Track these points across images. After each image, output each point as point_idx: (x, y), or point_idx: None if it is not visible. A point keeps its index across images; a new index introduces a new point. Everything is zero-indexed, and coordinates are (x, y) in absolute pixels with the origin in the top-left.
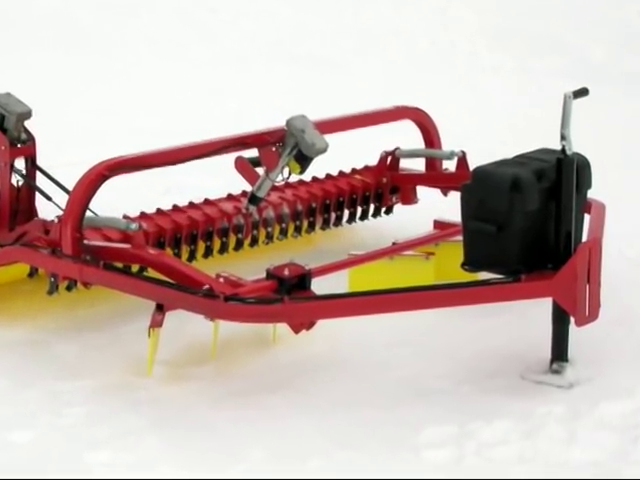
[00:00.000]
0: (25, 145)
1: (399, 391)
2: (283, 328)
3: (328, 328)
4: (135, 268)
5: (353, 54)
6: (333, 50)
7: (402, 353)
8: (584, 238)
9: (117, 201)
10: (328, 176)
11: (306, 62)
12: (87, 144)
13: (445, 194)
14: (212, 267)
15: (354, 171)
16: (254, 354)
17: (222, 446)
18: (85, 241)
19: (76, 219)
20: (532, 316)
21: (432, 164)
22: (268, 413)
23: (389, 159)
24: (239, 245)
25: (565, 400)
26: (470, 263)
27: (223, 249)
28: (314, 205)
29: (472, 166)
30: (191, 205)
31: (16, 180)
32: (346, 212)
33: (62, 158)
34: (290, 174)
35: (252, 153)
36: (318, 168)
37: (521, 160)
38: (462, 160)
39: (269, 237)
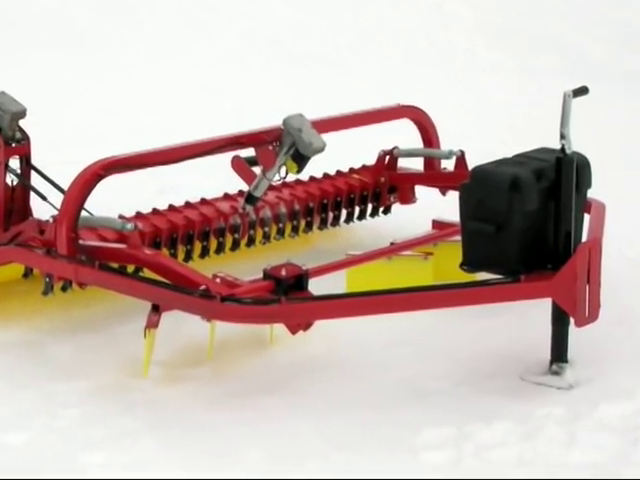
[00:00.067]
0: (20, 144)
1: (397, 392)
2: (280, 329)
3: (325, 329)
4: (131, 268)
5: (351, 53)
6: (331, 49)
7: (400, 354)
8: (584, 238)
9: (113, 201)
10: (326, 175)
11: (304, 61)
12: (82, 143)
13: (444, 194)
14: (208, 267)
15: (352, 170)
16: (251, 355)
17: (219, 448)
18: (80, 241)
19: (71, 219)
20: (531, 317)
21: (430, 163)
22: (265, 414)
23: (387, 158)
24: (236, 245)
25: (565, 401)
26: (469, 263)
27: (220, 249)
28: (311, 205)
29: (471, 165)
30: (187, 205)
31: (11, 179)
32: (344, 212)
33: (57, 157)
34: (287, 173)
35: (249, 152)
36: (315, 167)
37: (520, 159)
38: (461, 159)
39: (266, 237)
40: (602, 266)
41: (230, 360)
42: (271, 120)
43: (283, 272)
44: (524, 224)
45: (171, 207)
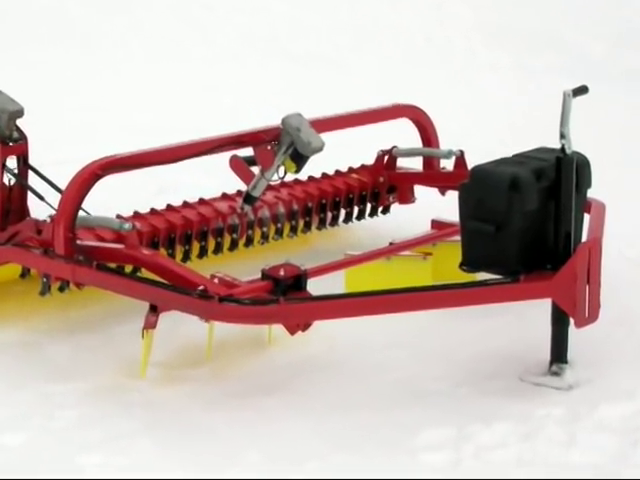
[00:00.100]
0: (17, 144)
1: (396, 393)
2: (279, 329)
3: (324, 329)
4: (128, 268)
5: (349, 51)
6: (330, 48)
7: (399, 355)
8: (584, 238)
9: (110, 200)
10: (324, 175)
11: (302, 59)
12: (80, 142)
13: (443, 193)
14: (207, 267)
15: (351, 170)
16: (249, 356)
17: (217, 449)
18: (78, 241)
19: (69, 219)
20: (531, 317)
21: (430, 163)
22: (264, 415)
23: (386, 158)
24: (234, 245)
25: (564, 402)
26: (468, 263)
27: (218, 249)
28: (310, 204)
29: (470, 165)
30: (185, 205)
31: (8, 179)
32: (342, 212)
33: (54, 156)
34: (286, 173)
35: (247, 152)
36: (314, 167)
37: (520, 159)
38: (460, 159)
39: (264, 237)
40: (602, 266)
41: (228, 361)
42: (270, 119)
43: (282, 272)
44: (524, 224)
45: (169, 207)
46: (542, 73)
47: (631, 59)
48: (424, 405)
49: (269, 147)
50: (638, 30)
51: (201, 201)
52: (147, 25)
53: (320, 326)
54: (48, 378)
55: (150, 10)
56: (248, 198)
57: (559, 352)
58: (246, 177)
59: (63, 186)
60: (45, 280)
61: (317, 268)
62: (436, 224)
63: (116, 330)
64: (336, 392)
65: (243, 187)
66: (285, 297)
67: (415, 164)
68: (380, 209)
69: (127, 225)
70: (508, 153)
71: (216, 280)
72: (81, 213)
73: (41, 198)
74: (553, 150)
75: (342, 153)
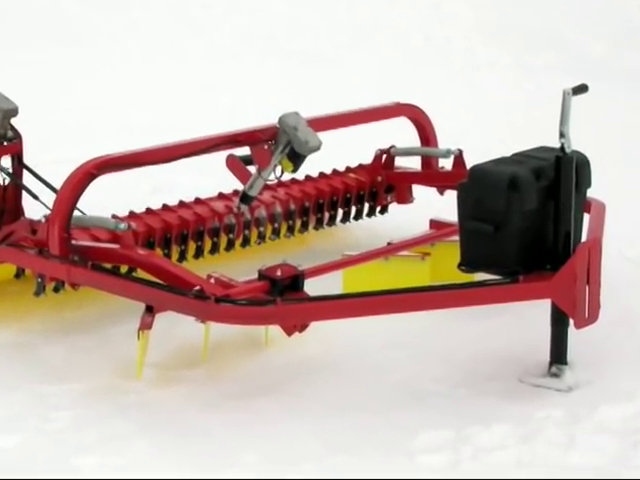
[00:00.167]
0: (12, 143)
1: (394, 395)
2: (275, 330)
3: (321, 330)
4: (124, 269)
5: (347, 50)
6: (327, 46)
7: (397, 356)
8: (583, 238)
9: (106, 200)
10: (322, 175)
11: (300, 58)
12: (75, 141)
13: (441, 193)
14: (203, 268)
15: (348, 169)
16: (246, 357)
17: (213, 450)
18: (73, 241)
19: (64, 219)
20: (530, 318)
21: (428, 162)
22: (260, 417)
23: (384, 157)
24: (230, 245)
25: (564, 404)
26: (467, 264)
27: (214, 249)
28: (307, 204)
29: (469, 164)
30: (181, 204)
31: (2, 179)
32: (340, 211)
33: (49, 156)
34: (283, 172)
35: (244, 151)
36: (311, 166)
37: (519, 158)
38: (459, 158)
39: (261, 237)
40: (602, 266)
41: (225, 362)
42: (266, 118)
43: (278, 272)
44: (523, 224)
45: (165, 207)
46: (541, 72)
47: (631, 58)
48: (422, 406)
49: (266, 146)
50: (638, 30)
51: (197, 201)
52: (144, 24)
53: (317, 327)
54: (43, 379)
55: (147, 8)
56: (245, 198)
57: (559, 353)
58: (243, 176)
59: (58, 186)
60: (40, 280)
61: (314, 268)
62: (434, 224)
63: (111, 331)
64: (334, 393)
65: (240, 187)
66: (282, 298)
67: (413, 163)
68: (378, 209)
69: (122, 225)
70: (507, 152)
71: (212, 280)
72: (76, 213)
73: (36, 198)
74: (553, 149)
75: (340, 152)
